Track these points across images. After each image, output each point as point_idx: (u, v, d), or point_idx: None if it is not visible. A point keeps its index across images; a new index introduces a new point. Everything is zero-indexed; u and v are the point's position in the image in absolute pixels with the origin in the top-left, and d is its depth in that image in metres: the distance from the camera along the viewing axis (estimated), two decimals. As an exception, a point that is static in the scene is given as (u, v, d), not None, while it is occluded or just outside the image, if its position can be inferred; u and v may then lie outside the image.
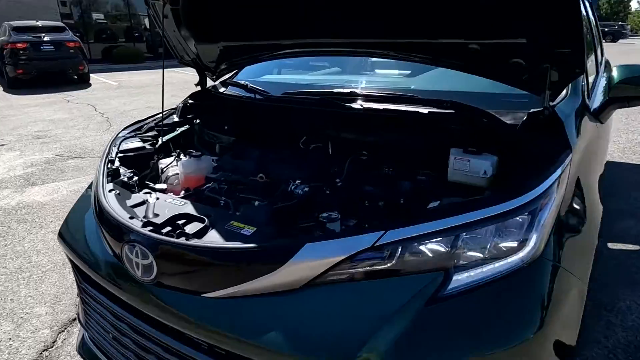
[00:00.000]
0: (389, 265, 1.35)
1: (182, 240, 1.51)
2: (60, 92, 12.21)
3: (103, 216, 1.79)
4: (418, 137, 2.08)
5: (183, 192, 2.40)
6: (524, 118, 1.93)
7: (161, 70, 2.47)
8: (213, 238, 1.56)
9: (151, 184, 2.29)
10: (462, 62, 2.00)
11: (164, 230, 1.62)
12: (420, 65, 2.73)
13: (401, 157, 2.20)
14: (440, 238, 1.36)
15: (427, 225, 1.36)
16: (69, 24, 16.94)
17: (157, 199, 1.98)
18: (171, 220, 1.69)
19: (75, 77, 13.75)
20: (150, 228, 1.60)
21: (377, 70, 3.24)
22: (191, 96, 2.99)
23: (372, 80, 2.89)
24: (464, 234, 1.37)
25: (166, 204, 1.91)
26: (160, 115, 2.65)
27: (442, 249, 1.37)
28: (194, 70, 3.02)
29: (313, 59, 3.60)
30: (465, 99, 2.11)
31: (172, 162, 2.57)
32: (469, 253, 1.38)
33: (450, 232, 1.36)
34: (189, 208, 1.86)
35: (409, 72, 3.07)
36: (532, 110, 1.92)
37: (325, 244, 1.37)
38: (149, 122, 2.74)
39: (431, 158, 2.08)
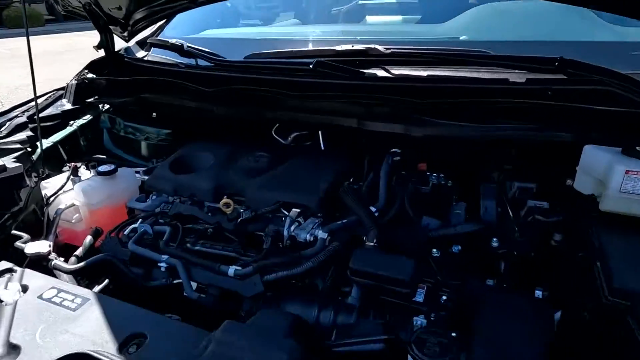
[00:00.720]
0: None
1: None
2: None
3: None
4: (506, 124, 1.18)
5: (89, 239, 1.37)
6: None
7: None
8: None
9: (21, 241, 1.23)
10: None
11: None
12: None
13: (470, 160, 1.32)
14: None
15: None
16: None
17: (23, 291, 0.95)
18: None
19: (-46, 46, 11.31)
20: None
21: (368, 18, 2.26)
22: (91, 67, 1.86)
23: (376, 31, 1.91)
24: None
25: (42, 307, 0.90)
26: (36, 103, 1.52)
27: None
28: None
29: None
30: (561, 53, 1.23)
31: (64, 184, 1.50)
32: None
33: None
34: (94, 314, 0.86)
35: (419, 16, 2.14)
36: None
37: None
38: (16, 116, 1.60)
39: (529, 163, 1.22)
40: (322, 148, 1.65)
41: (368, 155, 1.45)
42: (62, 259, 1.22)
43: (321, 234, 1.12)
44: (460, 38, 1.52)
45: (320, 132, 1.64)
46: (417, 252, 1.10)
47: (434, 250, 1.11)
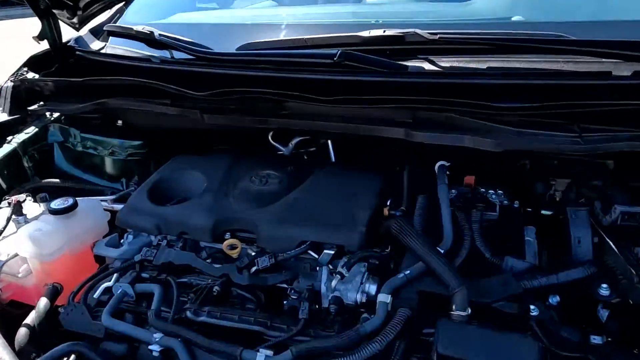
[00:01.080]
0: None
1: None
2: None
3: None
4: (616, 132, 0.90)
5: (44, 303, 1.01)
6: None
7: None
8: None
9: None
10: None
11: None
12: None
13: (538, 172, 1.05)
14: None
15: None
16: None
17: None
18: None
19: None
20: None
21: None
22: (31, 63, 1.45)
23: (399, 12, 1.59)
24: None
25: None
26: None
27: None
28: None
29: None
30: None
31: (4, 227, 1.11)
32: None
33: None
34: None
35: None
36: None
37: None
38: None
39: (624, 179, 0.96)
40: (333, 159, 1.35)
41: (407, 167, 1.14)
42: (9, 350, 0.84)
43: (381, 296, 0.81)
44: (513, 19, 1.23)
45: (329, 141, 1.33)
46: (512, 312, 0.82)
47: (532, 307, 0.83)
